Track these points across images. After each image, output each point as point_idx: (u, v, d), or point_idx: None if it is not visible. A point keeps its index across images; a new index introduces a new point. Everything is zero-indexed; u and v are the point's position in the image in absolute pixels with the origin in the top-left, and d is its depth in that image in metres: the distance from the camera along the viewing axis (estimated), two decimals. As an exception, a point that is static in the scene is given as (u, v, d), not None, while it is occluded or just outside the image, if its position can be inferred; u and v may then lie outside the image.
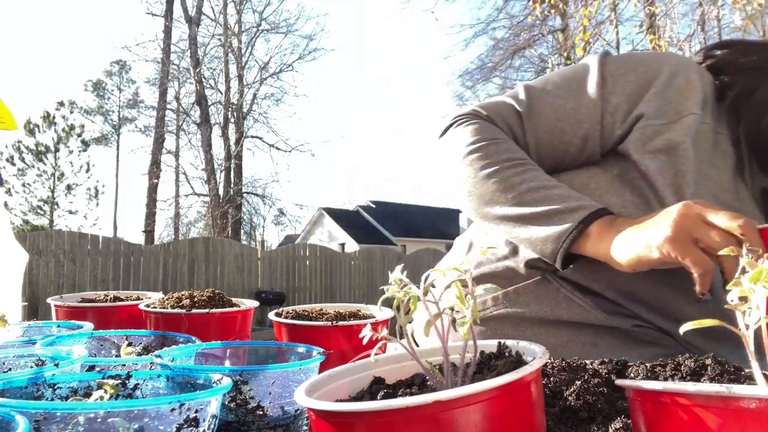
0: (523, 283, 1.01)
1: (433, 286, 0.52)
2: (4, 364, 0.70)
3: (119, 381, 0.58)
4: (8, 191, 25.17)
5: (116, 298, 1.20)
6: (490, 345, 0.58)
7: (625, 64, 1.00)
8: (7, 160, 27.20)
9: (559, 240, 0.88)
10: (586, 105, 0.99)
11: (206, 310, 1.01)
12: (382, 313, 1.02)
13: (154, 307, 1.04)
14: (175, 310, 1.00)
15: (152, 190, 20.48)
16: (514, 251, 1.04)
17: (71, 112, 28.92)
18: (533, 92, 1.03)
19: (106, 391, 0.56)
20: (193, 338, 0.87)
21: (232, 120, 21.45)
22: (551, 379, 0.66)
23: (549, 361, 0.70)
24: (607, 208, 0.90)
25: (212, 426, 0.53)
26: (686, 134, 0.94)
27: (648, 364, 0.53)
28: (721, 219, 0.75)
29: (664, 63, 0.99)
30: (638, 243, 0.81)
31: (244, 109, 21.83)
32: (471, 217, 1.06)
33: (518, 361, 0.52)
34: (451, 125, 1.06)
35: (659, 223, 0.80)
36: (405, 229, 26.60)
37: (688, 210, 0.79)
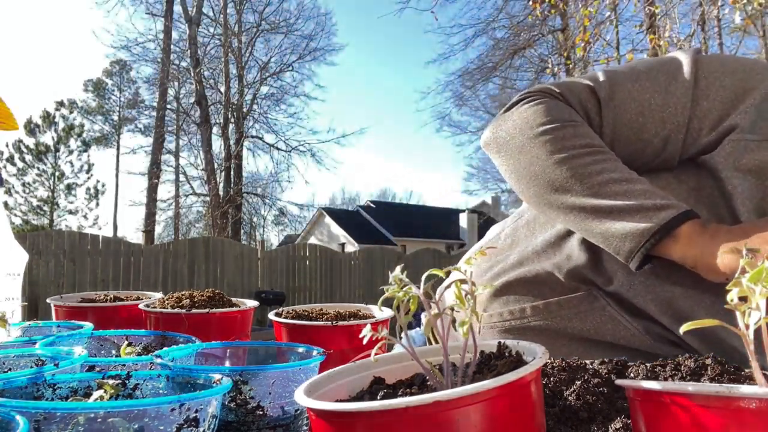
0: (567, 296, 0.96)
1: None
2: (4, 364, 0.70)
3: (119, 381, 0.58)
4: (8, 191, 25.17)
5: (116, 298, 1.20)
6: (490, 345, 0.58)
7: (721, 66, 0.90)
8: (7, 160, 27.22)
9: (642, 238, 0.81)
10: (673, 104, 0.89)
11: (206, 310, 1.01)
12: (382, 313, 1.02)
13: (154, 307, 1.04)
14: (175, 310, 1.00)
15: (152, 190, 20.47)
16: (566, 257, 0.96)
17: (71, 112, 28.96)
18: (616, 78, 0.93)
19: (106, 391, 0.56)
20: (193, 338, 0.87)
21: (232, 120, 21.44)
22: (551, 379, 0.65)
23: (549, 361, 0.70)
24: (693, 210, 0.82)
25: (212, 426, 0.53)
26: None
27: (648, 364, 0.53)
28: None
29: (765, 73, 0.89)
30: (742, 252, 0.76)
31: (244, 109, 21.83)
32: (531, 204, 0.98)
33: (518, 361, 0.52)
34: (518, 101, 0.97)
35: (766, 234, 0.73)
36: (405, 229, 26.60)
37: None
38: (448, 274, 0.53)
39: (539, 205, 0.94)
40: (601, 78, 0.94)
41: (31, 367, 0.68)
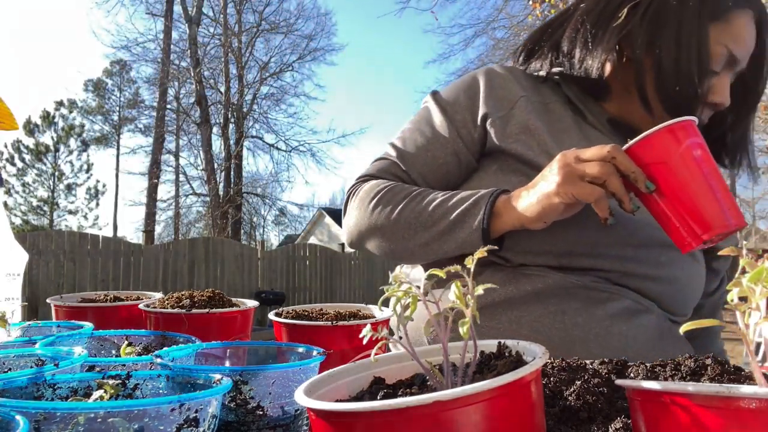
0: (482, 275, 1.06)
1: (418, 287, 0.52)
2: (4, 364, 0.70)
3: (119, 381, 0.58)
4: (8, 191, 25.20)
5: (116, 298, 1.19)
6: (490, 345, 0.58)
7: (452, 91, 1.21)
8: (7, 160, 27.24)
9: (478, 230, 0.99)
10: (441, 130, 1.17)
11: (206, 310, 1.01)
12: (382, 313, 1.02)
13: (154, 307, 1.04)
14: (175, 310, 1.00)
15: (152, 190, 20.49)
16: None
17: (71, 112, 28.97)
18: (397, 143, 1.21)
19: (106, 391, 0.56)
20: (193, 338, 0.87)
21: (232, 120, 21.45)
22: (551, 379, 0.66)
23: (549, 361, 0.71)
24: (500, 188, 1.03)
25: (212, 426, 0.53)
26: (526, 112, 1.12)
27: (648, 364, 0.54)
28: (593, 152, 0.92)
29: (476, 76, 1.21)
30: (538, 198, 0.94)
31: (244, 109, 21.83)
32: (407, 261, 1.20)
33: (518, 361, 0.52)
34: (347, 201, 1.19)
35: (547, 176, 0.95)
36: (405, 229, 26.49)
37: (565, 157, 0.94)
38: (448, 273, 0.53)
39: (411, 257, 1.14)
40: (391, 151, 1.21)
41: (31, 367, 0.68)
